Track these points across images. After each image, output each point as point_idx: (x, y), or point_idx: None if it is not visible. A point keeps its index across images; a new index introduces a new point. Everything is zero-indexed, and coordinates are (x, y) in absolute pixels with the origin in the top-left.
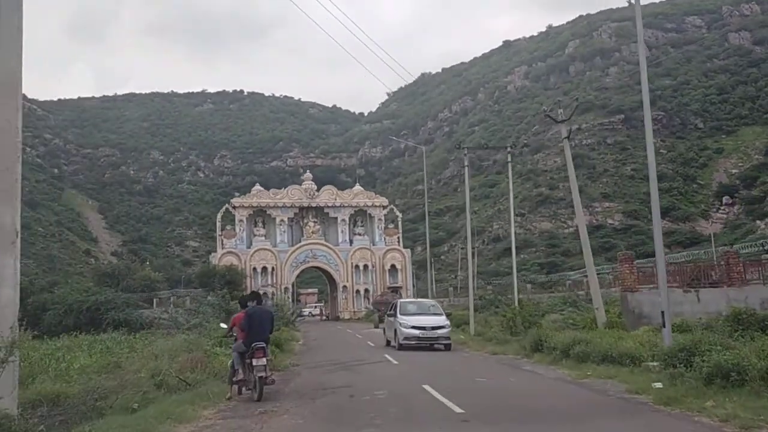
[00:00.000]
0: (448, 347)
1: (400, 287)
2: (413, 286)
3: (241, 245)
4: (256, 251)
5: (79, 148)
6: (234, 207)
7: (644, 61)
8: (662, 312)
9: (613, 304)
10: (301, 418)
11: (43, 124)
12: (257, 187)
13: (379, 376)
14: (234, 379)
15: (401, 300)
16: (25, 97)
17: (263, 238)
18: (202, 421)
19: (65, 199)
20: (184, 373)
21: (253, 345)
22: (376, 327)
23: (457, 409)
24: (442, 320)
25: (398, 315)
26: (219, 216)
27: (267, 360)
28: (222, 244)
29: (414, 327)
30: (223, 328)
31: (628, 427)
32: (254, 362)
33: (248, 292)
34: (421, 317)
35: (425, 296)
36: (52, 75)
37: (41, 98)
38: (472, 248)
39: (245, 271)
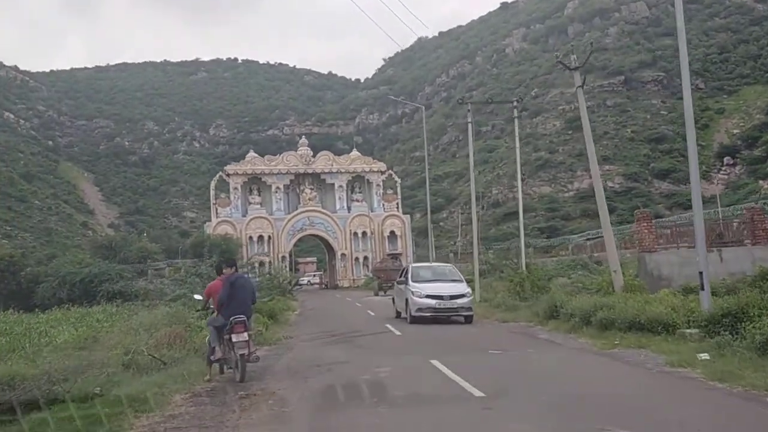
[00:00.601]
0: (469, 319)
1: (400, 254)
2: (413, 252)
3: (236, 214)
4: (251, 220)
5: (73, 119)
6: (228, 175)
7: (681, 18)
8: (700, 273)
9: (626, 267)
10: (288, 404)
11: (36, 95)
12: (251, 153)
13: (381, 350)
14: (212, 357)
15: (413, 264)
16: (17, 68)
17: (259, 206)
18: (169, 408)
19: (61, 172)
20: (160, 350)
21: (231, 318)
22: (376, 294)
23: (477, 392)
24: (462, 287)
25: (409, 282)
26: (213, 184)
27: (249, 335)
28: (216, 212)
29: (429, 296)
30: (198, 300)
31: (693, 414)
32: (234, 338)
33: (245, 260)
34: (437, 284)
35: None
36: (45, 46)
37: (33, 69)
38: (471, 213)
39: (241, 240)
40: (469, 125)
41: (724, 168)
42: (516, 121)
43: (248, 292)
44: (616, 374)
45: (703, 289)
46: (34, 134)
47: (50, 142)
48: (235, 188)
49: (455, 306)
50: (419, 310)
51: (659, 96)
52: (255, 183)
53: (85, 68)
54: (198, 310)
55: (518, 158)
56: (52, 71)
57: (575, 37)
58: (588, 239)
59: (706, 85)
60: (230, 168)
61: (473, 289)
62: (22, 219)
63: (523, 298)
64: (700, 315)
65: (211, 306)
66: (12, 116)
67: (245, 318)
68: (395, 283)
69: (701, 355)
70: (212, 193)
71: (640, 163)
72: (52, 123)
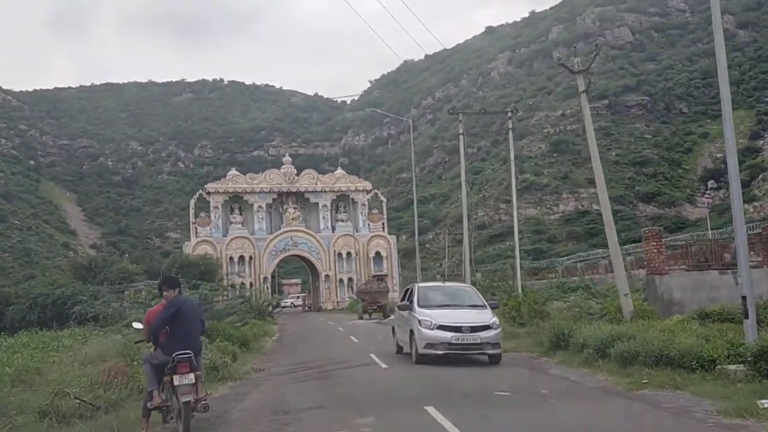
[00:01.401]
0: (496, 359)
1: (386, 275)
2: (399, 274)
3: (216, 233)
4: (232, 239)
5: (56, 139)
6: (209, 193)
7: (721, 38)
8: (743, 297)
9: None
10: None
11: (18, 115)
12: (233, 171)
13: (364, 390)
14: (149, 405)
15: (421, 284)
16: None
17: (240, 225)
18: None
19: (42, 192)
20: (95, 390)
21: (174, 355)
22: (360, 318)
23: None
24: (486, 316)
25: (416, 308)
26: (192, 202)
27: (196, 376)
28: (196, 232)
29: (443, 327)
30: (138, 329)
31: None
32: (176, 381)
33: (224, 283)
34: (453, 311)
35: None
36: (29, 66)
37: (16, 89)
38: (457, 235)
39: (221, 261)
40: (461, 137)
41: (708, 192)
42: (510, 132)
43: (195, 320)
44: (663, 430)
45: (746, 317)
46: (15, 153)
47: (32, 162)
48: (216, 207)
49: (478, 341)
50: (429, 345)
51: (643, 120)
52: (236, 202)
53: (69, 88)
54: (138, 342)
55: (513, 171)
56: (35, 90)
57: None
58: (579, 261)
59: (689, 110)
60: (211, 186)
61: None
62: (1, 239)
63: (519, 324)
64: (745, 348)
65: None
66: None
67: (191, 354)
68: (395, 309)
69: (763, 402)
70: (192, 211)
71: (625, 186)
72: (34, 142)
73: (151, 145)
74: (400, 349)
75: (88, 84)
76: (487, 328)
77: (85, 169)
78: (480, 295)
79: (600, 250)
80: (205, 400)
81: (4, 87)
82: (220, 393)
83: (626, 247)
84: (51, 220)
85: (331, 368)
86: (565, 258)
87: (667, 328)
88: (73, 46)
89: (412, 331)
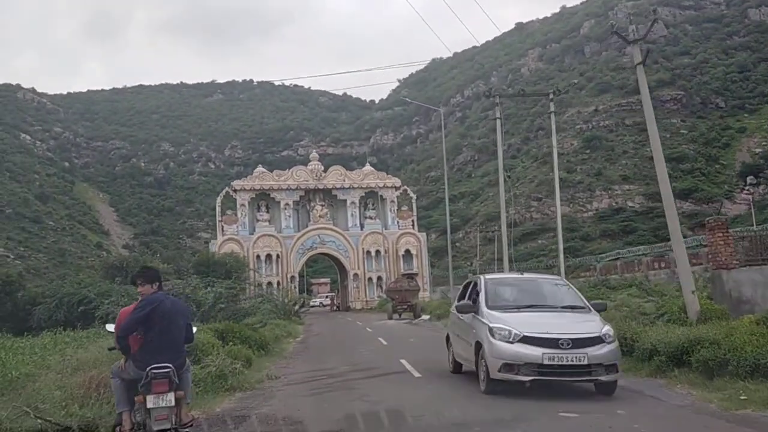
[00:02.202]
0: (611, 389)
1: (416, 274)
2: (429, 273)
3: (243, 231)
4: (259, 237)
5: (90, 141)
6: (235, 190)
7: None
8: None
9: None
10: None
11: (53, 117)
12: (260, 168)
13: (394, 405)
14: (118, 430)
15: (490, 276)
16: (34, 90)
17: (267, 223)
18: None
19: (76, 193)
20: (69, 406)
21: (149, 369)
22: (390, 318)
23: None
24: (593, 323)
25: (484, 309)
26: (219, 200)
27: (178, 397)
28: (222, 230)
29: (528, 340)
30: (111, 333)
31: None
32: (150, 402)
33: (251, 282)
34: (542, 315)
35: (444, 283)
36: (64, 70)
37: (51, 92)
38: (488, 233)
39: (248, 259)
40: (498, 121)
41: (747, 188)
42: (552, 116)
43: (178, 324)
44: None
45: None
46: (50, 155)
47: (66, 164)
48: (243, 204)
49: (584, 361)
50: (508, 368)
51: (679, 115)
52: (263, 199)
53: (102, 90)
54: (111, 349)
55: (555, 159)
56: (69, 93)
57: (592, 56)
58: (618, 258)
59: (726, 104)
60: (237, 183)
61: None
62: (35, 240)
63: None
64: None
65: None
66: (29, 138)
67: (171, 369)
68: (452, 312)
69: None
70: (218, 209)
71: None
72: (68, 144)
73: (182, 146)
74: (458, 367)
75: (120, 86)
76: (597, 341)
77: (118, 170)
78: (574, 289)
79: (641, 247)
80: (190, 425)
81: (39, 90)
82: (223, 407)
83: (670, 243)
84: (85, 221)
85: (355, 377)
86: (603, 255)
87: (756, 332)
88: (105, 50)
89: (479, 344)
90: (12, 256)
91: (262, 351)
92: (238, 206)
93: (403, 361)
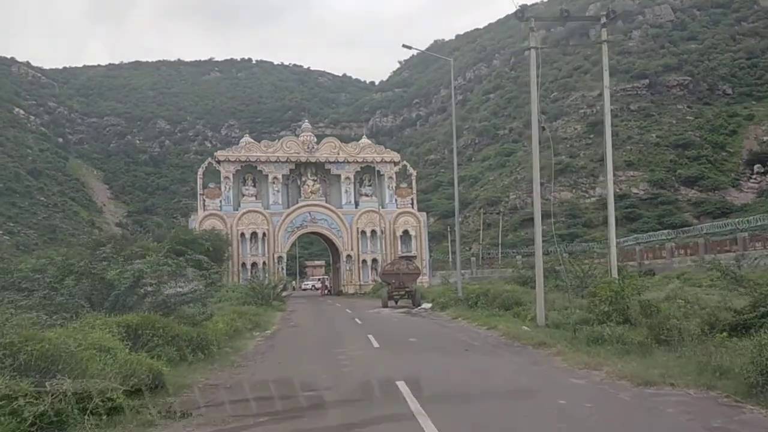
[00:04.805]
0: None
1: (414, 257)
2: (429, 256)
3: (227, 207)
4: (244, 214)
5: (84, 116)
6: (219, 161)
7: None
8: None
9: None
10: None
11: (47, 92)
12: (246, 138)
13: None
14: None
15: None
16: (29, 64)
17: (253, 198)
18: None
19: (69, 169)
20: None
21: None
22: (385, 306)
23: None
24: None
25: None
26: (200, 172)
27: None
28: (204, 205)
29: None
30: None
31: None
32: None
33: (233, 260)
34: None
35: (443, 267)
36: (60, 45)
37: (46, 66)
38: (487, 218)
39: (230, 237)
40: (532, 51)
41: (754, 176)
42: (604, 47)
43: None
44: None
45: None
46: (44, 130)
47: (60, 139)
48: (227, 177)
49: None
50: None
51: (685, 101)
52: (250, 172)
53: (98, 66)
54: None
55: (607, 99)
56: (65, 68)
57: (597, 39)
58: (639, 243)
59: (733, 91)
60: (221, 154)
61: (523, 306)
62: (26, 216)
63: (632, 326)
64: None
65: None
66: (22, 112)
67: None
68: None
69: None
70: (199, 182)
71: (666, 170)
72: (62, 120)
73: (178, 124)
74: None
75: (117, 62)
76: None
77: (113, 147)
78: None
79: (665, 231)
80: None
81: (34, 64)
82: None
83: (700, 227)
84: (77, 198)
85: (314, 417)
86: (621, 240)
87: None
88: (103, 26)
89: None
90: (1, 231)
91: (202, 354)
92: (222, 179)
93: (400, 385)
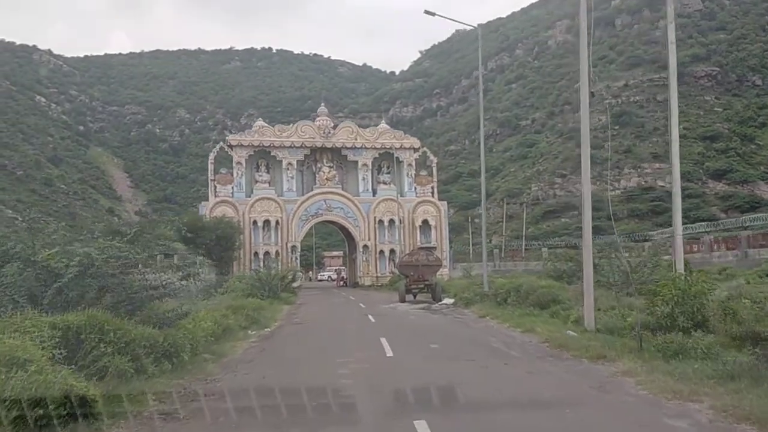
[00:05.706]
0: None
1: (434, 247)
2: (449, 247)
3: (239, 193)
4: (257, 201)
5: (105, 105)
6: (231, 146)
7: None
8: None
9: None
10: None
11: (69, 80)
12: (260, 122)
13: None
14: None
15: None
16: (50, 52)
17: (267, 185)
18: None
19: (90, 157)
20: None
21: None
22: (402, 300)
23: None
24: None
25: None
26: (211, 157)
27: None
28: (215, 191)
29: None
30: None
31: None
32: None
33: (244, 249)
34: None
35: (464, 260)
36: (81, 33)
37: (68, 54)
38: (509, 209)
39: (242, 225)
40: (583, 1)
41: None
42: (670, 7)
43: None
44: None
45: None
46: (64, 118)
47: (81, 127)
48: (239, 163)
49: None
50: None
51: (713, 92)
52: (263, 158)
53: (119, 54)
54: None
55: (672, 63)
56: (86, 56)
57: (623, 29)
58: (671, 236)
59: (763, 82)
60: (233, 138)
61: (566, 307)
62: (46, 203)
63: (706, 332)
64: None
65: None
66: (43, 100)
67: None
68: None
69: None
70: (210, 167)
71: (694, 162)
72: (83, 108)
73: (198, 113)
74: None
75: (138, 51)
76: None
77: (133, 136)
78: None
79: (704, 223)
80: None
81: (56, 52)
82: None
83: (742, 219)
84: (98, 186)
85: None
86: (654, 233)
87: None
88: (124, 15)
89: None
90: (20, 219)
91: (169, 363)
92: (234, 164)
93: (417, 425)
